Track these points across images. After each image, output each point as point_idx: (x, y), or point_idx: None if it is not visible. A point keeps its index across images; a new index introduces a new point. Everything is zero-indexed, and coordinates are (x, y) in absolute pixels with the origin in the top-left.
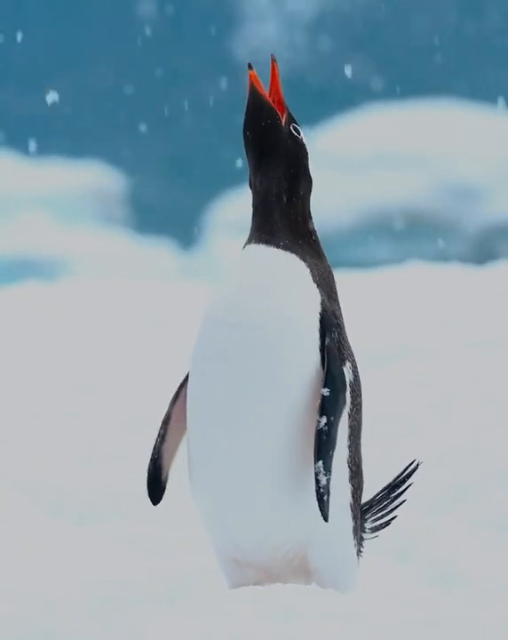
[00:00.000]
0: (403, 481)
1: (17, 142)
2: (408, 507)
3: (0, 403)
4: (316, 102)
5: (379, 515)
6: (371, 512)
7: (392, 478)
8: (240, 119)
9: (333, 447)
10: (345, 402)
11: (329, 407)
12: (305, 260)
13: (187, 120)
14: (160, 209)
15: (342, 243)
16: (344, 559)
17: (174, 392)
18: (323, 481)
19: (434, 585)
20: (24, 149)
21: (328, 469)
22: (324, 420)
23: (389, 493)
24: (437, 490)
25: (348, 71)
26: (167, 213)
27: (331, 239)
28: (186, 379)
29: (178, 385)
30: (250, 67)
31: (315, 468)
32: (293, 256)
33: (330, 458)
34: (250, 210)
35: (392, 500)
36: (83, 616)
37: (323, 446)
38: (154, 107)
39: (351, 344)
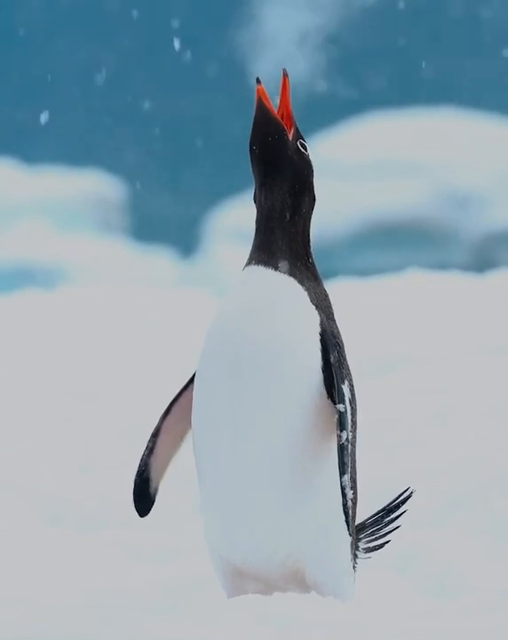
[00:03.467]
0: (397, 506)
1: (16, 150)
2: (407, 515)
3: (0, 411)
4: (316, 110)
5: (372, 537)
6: (365, 533)
7: (387, 502)
8: (240, 127)
9: (352, 461)
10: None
11: (346, 422)
12: (302, 284)
13: (187, 127)
14: (159, 217)
15: (341, 250)
16: (341, 572)
17: (165, 407)
18: (350, 494)
19: (433, 594)
20: (23, 157)
21: (352, 481)
22: (345, 434)
23: (383, 517)
24: (436, 499)
25: (348, 79)
26: (167, 221)
27: (331, 247)
28: (179, 394)
29: (170, 401)
30: (257, 81)
31: (342, 483)
32: (291, 279)
33: (350, 471)
34: (251, 217)
35: (386, 525)
36: (82, 623)
37: (346, 460)
38: (153, 114)
39: (350, 353)
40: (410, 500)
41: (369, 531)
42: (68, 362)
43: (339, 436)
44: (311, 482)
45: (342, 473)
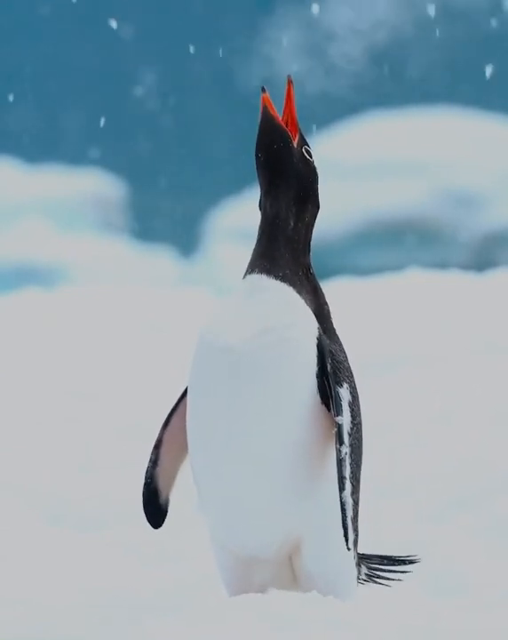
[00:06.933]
0: (403, 563)
1: (16, 149)
2: (410, 515)
3: (0, 411)
4: (316, 109)
5: (371, 574)
6: (367, 566)
7: (394, 554)
8: (241, 128)
9: (356, 462)
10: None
11: (345, 434)
12: (301, 293)
13: (187, 127)
14: (160, 216)
15: (342, 250)
16: (339, 568)
17: (165, 417)
18: (349, 511)
19: (436, 593)
20: (23, 156)
21: (351, 495)
22: (345, 449)
23: (386, 564)
24: (439, 498)
25: (348, 78)
26: (167, 220)
27: (331, 246)
28: (177, 404)
29: (169, 411)
30: (263, 90)
31: (342, 498)
32: (290, 288)
33: (350, 483)
34: (251, 216)
35: (387, 572)
36: (83, 624)
37: (345, 474)
38: (152, 113)
39: (350, 352)
40: (412, 498)
41: (371, 568)
42: (68, 362)
43: (339, 451)
44: (306, 479)
45: (341, 488)
